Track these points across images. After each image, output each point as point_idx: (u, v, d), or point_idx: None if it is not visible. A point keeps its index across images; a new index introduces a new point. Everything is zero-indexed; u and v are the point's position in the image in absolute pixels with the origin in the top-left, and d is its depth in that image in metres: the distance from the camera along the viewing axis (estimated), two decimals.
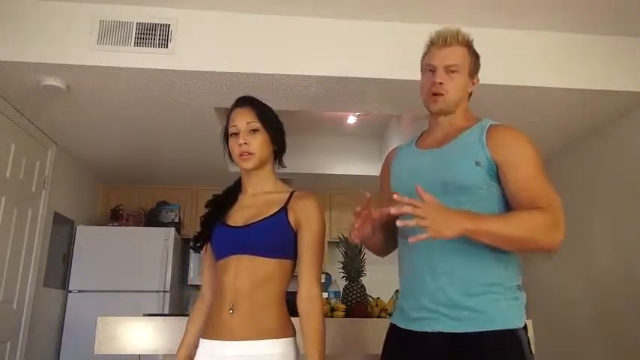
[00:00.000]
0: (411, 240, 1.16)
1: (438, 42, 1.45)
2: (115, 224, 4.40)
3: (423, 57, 1.52)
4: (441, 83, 1.42)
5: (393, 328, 1.43)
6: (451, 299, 1.28)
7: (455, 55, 1.43)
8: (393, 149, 1.65)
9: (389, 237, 1.52)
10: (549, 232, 1.25)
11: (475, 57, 1.48)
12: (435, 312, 1.29)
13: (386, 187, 1.56)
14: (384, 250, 1.58)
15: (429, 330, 1.29)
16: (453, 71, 1.42)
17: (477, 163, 1.32)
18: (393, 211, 1.17)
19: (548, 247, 1.27)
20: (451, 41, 1.44)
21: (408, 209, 1.15)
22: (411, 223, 1.15)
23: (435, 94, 1.42)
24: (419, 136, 1.58)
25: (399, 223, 1.17)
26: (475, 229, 1.21)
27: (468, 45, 1.47)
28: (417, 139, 1.57)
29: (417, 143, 1.54)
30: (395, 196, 1.18)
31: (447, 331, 1.27)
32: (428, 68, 1.46)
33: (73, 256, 3.96)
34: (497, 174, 1.33)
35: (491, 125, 1.39)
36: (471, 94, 1.50)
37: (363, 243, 1.54)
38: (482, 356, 1.24)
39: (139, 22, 2.56)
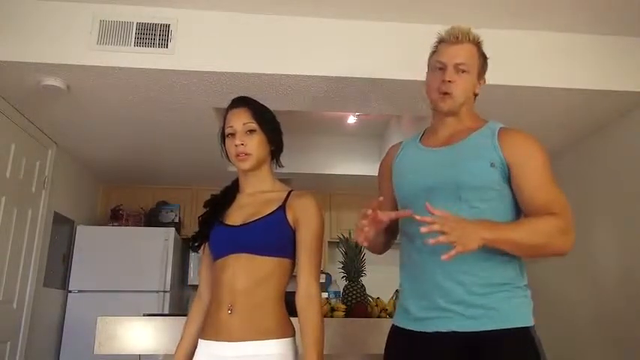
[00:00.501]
0: (444, 257, 1.15)
1: (449, 39, 1.43)
2: (115, 224, 4.40)
3: (432, 55, 1.50)
4: (450, 82, 1.40)
5: (397, 330, 1.40)
6: (464, 298, 1.27)
7: (465, 54, 1.42)
8: (395, 145, 1.63)
9: (389, 238, 1.52)
10: (563, 238, 1.28)
11: (484, 58, 1.47)
12: (447, 311, 1.28)
13: (386, 182, 1.55)
14: (382, 250, 1.58)
15: (442, 330, 1.28)
16: (462, 70, 1.41)
17: (492, 165, 1.33)
18: (423, 230, 1.17)
19: (561, 252, 1.29)
20: (462, 39, 1.42)
21: (436, 227, 1.15)
22: (442, 239, 1.15)
23: (444, 93, 1.41)
24: (422, 133, 1.56)
25: (431, 241, 1.16)
26: (494, 238, 1.22)
27: (478, 45, 1.46)
28: (420, 136, 1.55)
29: (422, 141, 1.52)
30: (417, 217, 1.19)
31: (462, 330, 1.26)
32: (438, 66, 1.43)
33: (73, 256, 3.96)
34: (509, 176, 1.34)
35: (501, 128, 1.40)
36: (477, 95, 1.49)
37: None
38: (499, 354, 1.23)
39: (139, 22, 2.56)
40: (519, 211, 1.36)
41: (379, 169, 1.63)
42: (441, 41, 1.46)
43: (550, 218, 1.27)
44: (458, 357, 1.25)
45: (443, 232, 1.15)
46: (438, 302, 1.30)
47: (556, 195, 1.32)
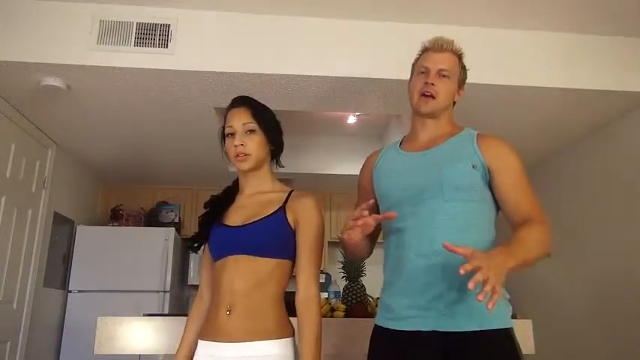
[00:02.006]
0: (470, 286, 1.08)
1: (434, 47, 1.52)
2: (115, 224, 4.40)
3: (415, 61, 1.57)
4: (432, 84, 1.46)
5: (379, 330, 1.41)
6: (446, 298, 1.29)
7: (448, 61, 1.50)
8: (375, 152, 1.66)
9: (372, 242, 1.54)
10: (549, 242, 1.32)
11: (464, 69, 1.56)
12: (429, 310, 1.30)
13: (366, 188, 1.58)
14: (366, 254, 1.58)
15: (423, 329, 1.29)
16: (444, 76, 1.48)
17: (474, 167, 1.38)
18: (462, 272, 1.09)
19: (547, 255, 1.32)
20: (446, 48, 1.51)
21: (469, 267, 1.09)
22: (479, 277, 1.08)
23: (426, 96, 1.47)
24: (400, 140, 1.61)
25: (462, 271, 1.10)
26: (516, 265, 1.19)
27: (460, 56, 1.54)
28: (399, 142, 1.60)
29: (402, 146, 1.57)
30: (466, 252, 1.13)
31: (442, 330, 1.27)
32: (421, 70, 1.52)
33: (73, 256, 3.96)
34: (488, 179, 1.39)
35: (479, 134, 1.46)
36: (455, 104, 1.56)
37: (348, 247, 1.48)
38: (479, 355, 1.25)
39: (138, 22, 2.56)
40: (497, 211, 1.42)
41: (360, 175, 1.65)
42: (425, 50, 1.55)
43: (540, 227, 1.31)
44: (438, 356, 1.26)
45: (476, 270, 1.09)
46: (419, 300, 1.31)
47: (535, 201, 1.38)
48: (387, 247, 1.48)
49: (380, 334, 1.41)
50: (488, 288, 1.07)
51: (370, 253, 1.60)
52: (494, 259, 1.14)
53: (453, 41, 1.53)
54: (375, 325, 1.44)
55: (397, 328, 1.34)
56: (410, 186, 1.41)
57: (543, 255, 1.30)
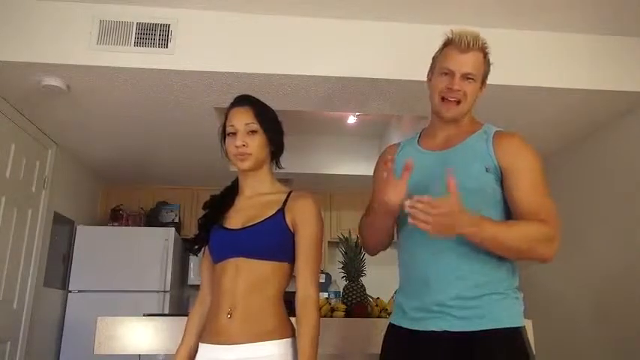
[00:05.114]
0: (410, 221, 1.19)
1: (460, 45, 1.39)
2: (115, 224, 4.40)
3: (438, 55, 1.47)
4: (458, 90, 1.40)
5: (393, 328, 1.42)
6: (455, 300, 1.29)
7: (473, 63, 1.40)
8: (393, 145, 1.64)
9: (390, 232, 1.50)
10: (547, 245, 1.29)
11: (488, 64, 1.46)
12: (439, 312, 1.30)
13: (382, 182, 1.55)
14: (382, 244, 1.54)
15: (435, 329, 1.29)
16: (469, 79, 1.40)
17: (487, 169, 1.35)
18: (407, 204, 1.19)
19: (543, 258, 1.31)
20: (473, 46, 1.39)
21: (420, 206, 1.18)
22: (420, 216, 1.18)
23: (449, 100, 1.41)
24: (419, 134, 1.58)
25: (407, 208, 1.19)
26: (471, 232, 1.22)
27: (485, 52, 1.44)
28: (418, 137, 1.57)
29: (420, 142, 1.54)
30: (415, 198, 1.19)
31: (453, 330, 1.27)
32: (444, 71, 1.42)
33: (73, 256, 3.96)
34: (501, 180, 1.36)
35: (496, 132, 1.41)
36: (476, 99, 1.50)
37: (368, 229, 1.53)
38: (490, 354, 1.25)
39: (139, 22, 2.56)
40: (509, 217, 1.37)
41: (376, 169, 1.63)
42: (450, 43, 1.42)
43: (537, 224, 1.28)
44: (450, 356, 1.26)
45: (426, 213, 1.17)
46: (429, 303, 1.32)
47: (544, 202, 1.33)
48: (399, 248, 1.48)
49: (392, 332, 1.42)
50: (421, 225, 1.18)
51: (384, 245, 1.54)
52: (453, 217, 1.20)
53: (478, 36, 1.40)
54: (390, 323, 1.44)
55: (410, 327, 1.35)
56: (423, 186, 1.38)
57: (527, 250, 1.28)
